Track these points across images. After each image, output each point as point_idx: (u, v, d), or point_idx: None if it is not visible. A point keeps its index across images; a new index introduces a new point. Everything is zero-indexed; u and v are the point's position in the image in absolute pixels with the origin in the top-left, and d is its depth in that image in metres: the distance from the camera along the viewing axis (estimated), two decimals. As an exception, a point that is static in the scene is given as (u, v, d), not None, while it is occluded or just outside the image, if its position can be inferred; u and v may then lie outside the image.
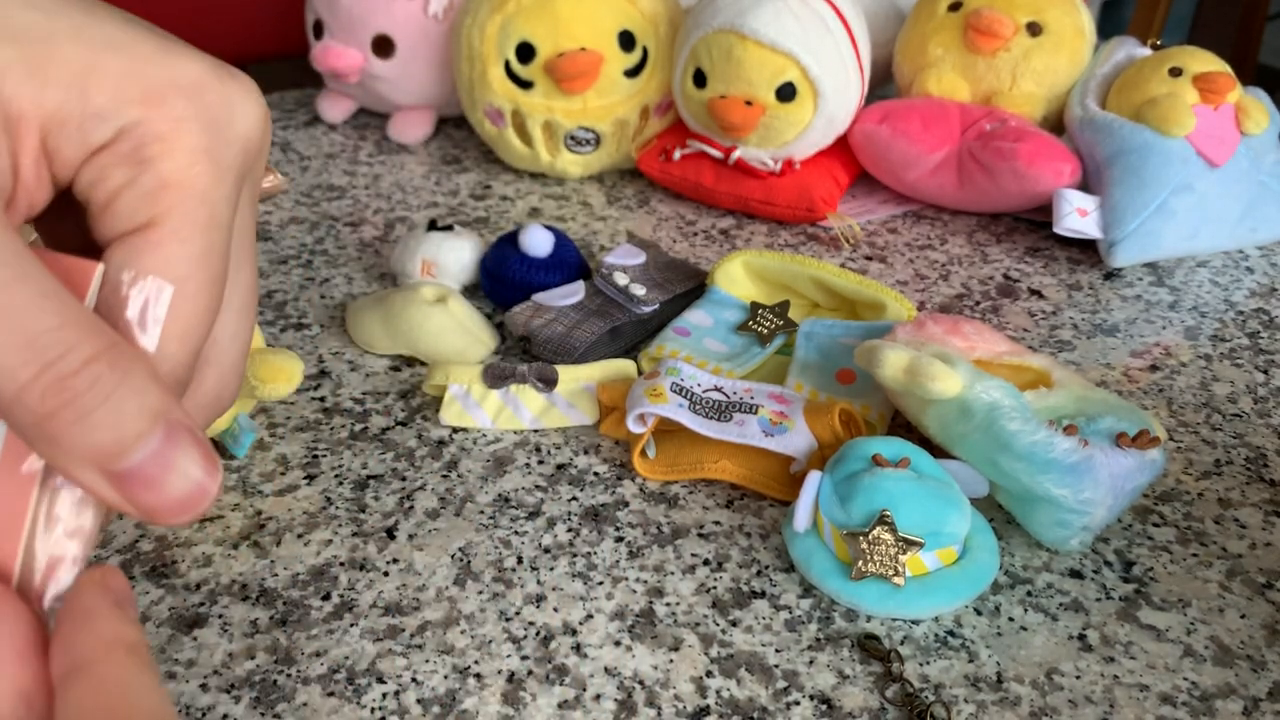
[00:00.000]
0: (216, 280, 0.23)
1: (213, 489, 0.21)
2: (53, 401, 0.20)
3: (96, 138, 0.22)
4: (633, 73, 0.71)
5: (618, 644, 0.39)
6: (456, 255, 0.59)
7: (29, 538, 0.21)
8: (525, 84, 0.71)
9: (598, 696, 0.37)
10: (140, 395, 0.20)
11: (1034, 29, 0.69)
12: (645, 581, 0.42)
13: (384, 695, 0.37)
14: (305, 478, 0.47)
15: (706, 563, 0.43)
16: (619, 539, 0.44)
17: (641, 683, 0.38)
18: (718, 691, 0.37)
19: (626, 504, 0.46)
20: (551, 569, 0.42)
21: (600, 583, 0.42)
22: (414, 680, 0.38)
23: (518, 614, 0.40)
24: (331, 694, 0.37)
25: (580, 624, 0.40)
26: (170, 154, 0.22)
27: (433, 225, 0.61)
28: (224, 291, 0.23)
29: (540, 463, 0.48)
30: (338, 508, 0.45)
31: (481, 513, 0.45)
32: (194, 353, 0.23)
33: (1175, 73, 0.64)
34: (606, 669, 0.38)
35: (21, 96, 0.21)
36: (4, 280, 0.19)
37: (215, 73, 0.23)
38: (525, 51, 0.69)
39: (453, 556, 0.43)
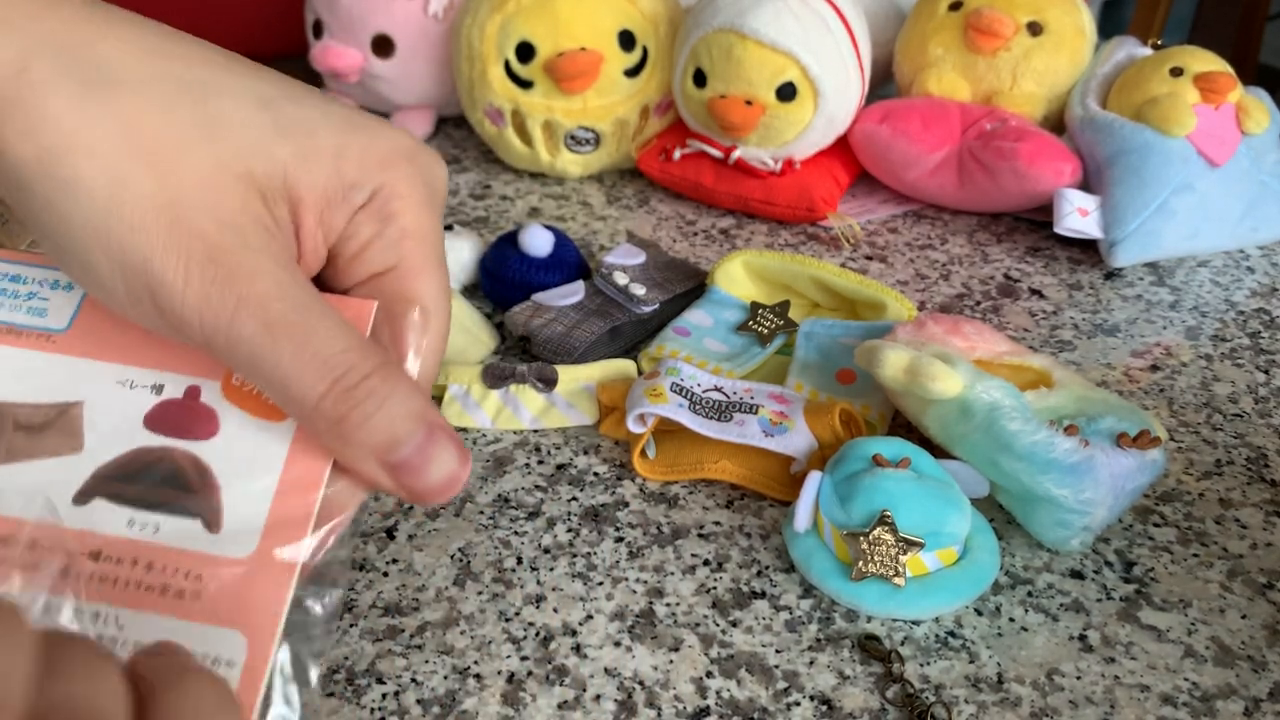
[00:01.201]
0: (447, 301, 0.30)
1: (464, 475, 0.27)
2: (342, 408, 0.25)
3: (353, 205, 0.28)
4: (633, 72, 0.71)
5: (618, 644, 0.39)
6: (456, 255, 0.59)
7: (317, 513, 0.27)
8: (525, 84, 0.70)
9: (598, 697, 0.37)
10: (406, 403, 0.26)
11: (1034, 29, 0.69)
12: (645, 582, 0.42)
13: (383, 696, 0.37)
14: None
15: (706, 563, 0.43)
16: (619, 539, 0.44)
17: (641, 683, 0.38)
18: (718, 692, 0.37)
19: (626, 504, 0.46)
20: (551, 569, 0.42)
21: (600, 583, 0.42)
22: (414, 681, 0.38)
23: (517, 614, 0.40)
24: (331, 694, 0.37)
25: (580, 624, 0.40)
26: (407, 208, 0.29)
27: (432, 225, 0.61)
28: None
29: (540, 463, 0.48)
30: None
31: (481, 513, 0.45)
32: (440, 360, 0.30)
33: (1176, 72, 0.64)
34: (606, 669, 0.38)
35: (300, 184, 0.27)
36: (305, 316, 0.25)
37: (414, 140, 0.30)
38: (525, 51, 0.69)
39: (452, 557, 0.43)
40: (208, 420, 0.27)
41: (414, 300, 0.29)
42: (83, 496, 0.26)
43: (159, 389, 0.28)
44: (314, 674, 0.27)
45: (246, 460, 0.27)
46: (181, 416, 0.27)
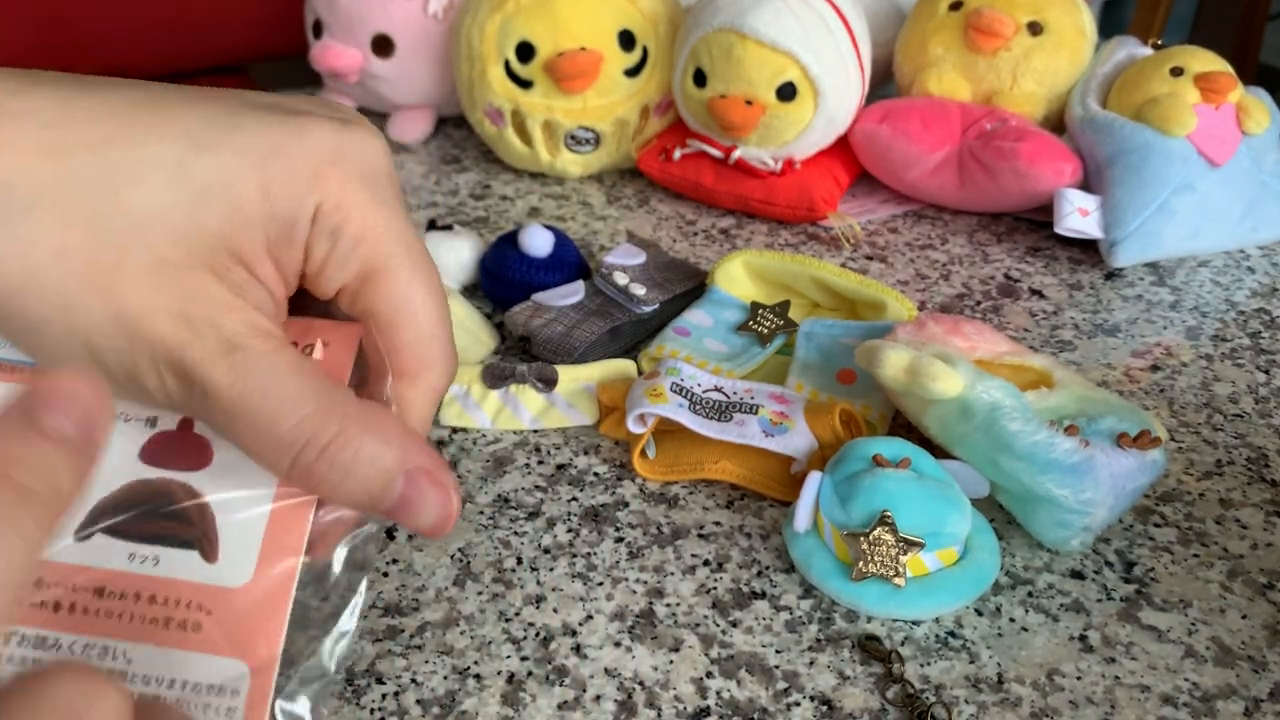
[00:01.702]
0: (429, 288, 0.29)
1: (453, 510, 0.27)
2: (309, 482, 0.26)
3: (300, 234, 0.27)
4: (633, 72, 0.71)
5: (618, 645, 0.39)
6: (456, 255, 0.59)
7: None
8: (525, 83, 0.70)
9: (598, 697, 0.37)
10: (374, 462, 0.26)
11: (1035, 28, 0.69)
12: (645, 582, 0.42)
13: (383, 696, 0.37)
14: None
15: (707, 563, 0.43)
16: (619, 539, 0.44)
17: (641, 683, 0.38)
18: (718, 692, 0.37)
19: (626, 504, 0.46)
20: (551, 569, 0.42)
21: (600, 583, 0.42)
22: (413, 681, 0.38)
23: (517, 615, 0.40)
24: (330, 694, 0.37)
25: (580, 625, 0.40)
26: (350, 217, 0.27)
27: (432, 225, 0.61)
28: (439, 282, 0.30)
29: (540, 463, 0.48)
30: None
31: (481, 513, 0.45)
32: (442, 349, 0.30)
33: (1176, 72, 0.64)
34: (606, 670, 0.38)
35: (241, 242, 0.26)
36: (260, 400, 0.25)
37: (341, 129, 0.28)
38: (525, 51, 0.69)
39: (452, 557, 0.43)
40: (201, 450, 0.28)
41: (394, 303, 0.28)
42: (84, 531, 0.26)
43: (153, 422, 0.28)
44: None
45: (240, 488, 0.27)
46: (175, 448, 0.28)
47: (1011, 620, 0.40)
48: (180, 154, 0.25)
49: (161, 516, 0.27)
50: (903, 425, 0.49)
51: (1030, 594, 0.41)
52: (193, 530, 0.27)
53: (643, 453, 0.47)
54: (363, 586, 0.29)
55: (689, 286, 0.57)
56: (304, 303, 0.30)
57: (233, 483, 0.27)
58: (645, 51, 0.71)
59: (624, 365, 0.52)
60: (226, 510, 0.27)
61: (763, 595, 0.41)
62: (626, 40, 0.70)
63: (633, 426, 0.46)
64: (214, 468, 0.28)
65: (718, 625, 0.40)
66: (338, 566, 0.28)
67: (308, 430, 0.26)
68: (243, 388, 0.25)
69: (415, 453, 0.27)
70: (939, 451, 0.44)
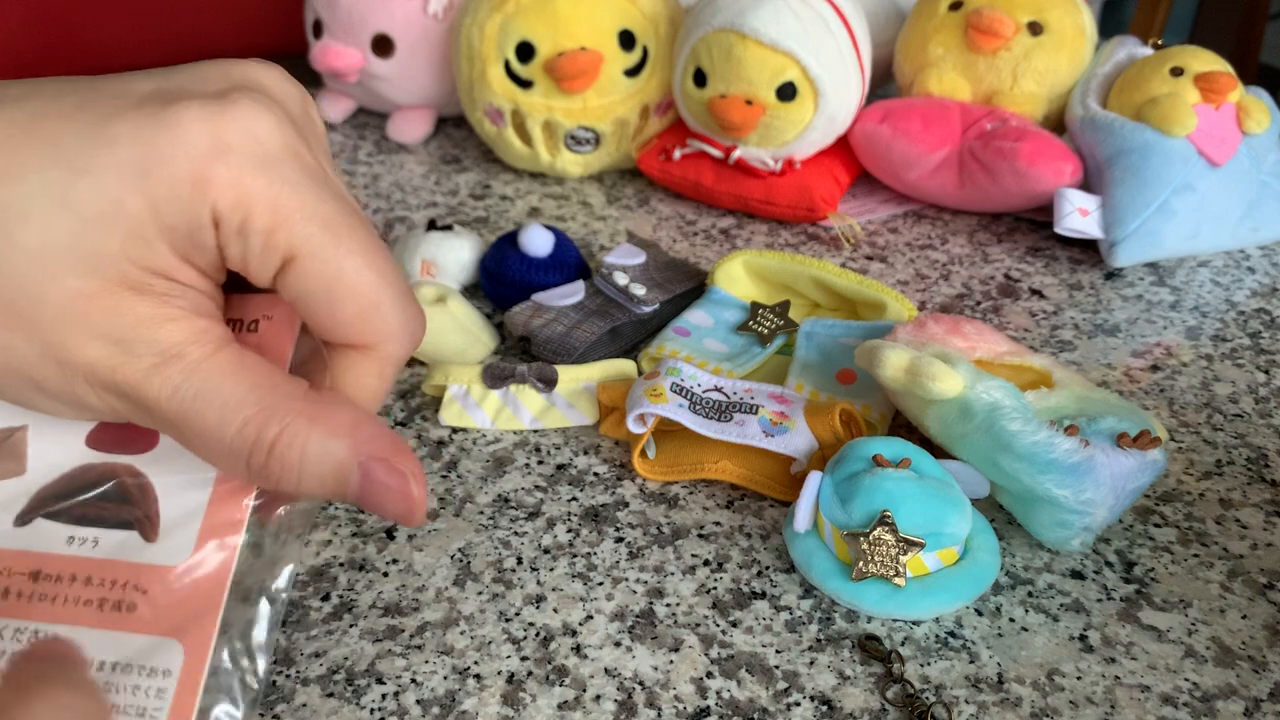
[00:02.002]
0: (367, 246, 0.27)
1: (413, 497, 0.27)
2: (267, 481, 0.26)
3: (207, 240, 0.26)
4: (633, 72, 0.71)
5: (618, 645, 0.39)
6: (456, 255, 0.59)
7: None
8: (525, 83, 0.70)
9: (598, 697, 0.37)
10: (324, 457, 0.26)
11: (1035, 28, 0.69)
12: (645, 582, 0.42)
13: (383, 696, 0.37)
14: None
15: (707, 563, 0.43)
16: (619, 539, 0.44)
17: (641, 683, 0.38)
18: (718, 692, 0.37)
19: (626, 504, 0.46)
20: (551, 569, 0.42)
21: (600, 583, 0.42)
22: (413, 681, 0.38)
23: (517, 615, 0.40)
24: (331, 695, 0.37)
25: (580, 625, 0.40)
26: (253, 210, 0.25)
27: (432, 225, 0.61)
28: (375, 245, 0.28)
29: (540, 463, 0.48)
30: (337, 508, 0.45)
31: (481, 513, 0.45)
32: (379, 303, 0.28)
33: (1176, 72, 0.64)
34: (606, 670, 0.38)
35: (150, 256, 0.25)
36: (201, 405, 0.25)
37: (218, 113, 0.26)
38: (525, 51, 0.69)
39: (452, 557, 0.43)
40: (147, 435, 0.28)
41: (324, 282, 0.27)
42: (24, 517, 0.27)
43: None
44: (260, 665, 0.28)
45: (183, 469, 0.27)
46: (121, 433, 0.28)
47: (1011, 620, 0.40)
48: (62, 183, 0.24)
49: (103, 498, 0.27)
50: (903, 425, 0.49)
51: (1030, 594, 0.41)
52: (134, 510, 0.27)
53: (643, 453, 0.47)
54: (295, 553, 0.29)
55: (689, 286, 0.57)
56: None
57: (176, 464, 0.27)
58: (645, 51, 0.71)
59: (624, 365, 0.52)
60: (169, 491, 0.27)
61: (763, 595, 0.41)
62: (626, 40, 0.70)
63: (633, 426, 0.46)
64: (159, 450, 0.28)
65: (718, 625, 0.40)
66: (269, 536, 0.29)
67: (251, 434, 0.25)
68: (180, 400, 0.25)
69: (368, 440, 0.26)
70: (939, 451, 0.44)
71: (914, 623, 0.40)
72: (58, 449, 0.27)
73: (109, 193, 0.24)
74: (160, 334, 0.25)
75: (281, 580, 0.28)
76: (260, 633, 0.28)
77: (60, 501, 0.27)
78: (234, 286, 0.29)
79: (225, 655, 0.27)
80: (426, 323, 0.30)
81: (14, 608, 0.25)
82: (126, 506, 0.27)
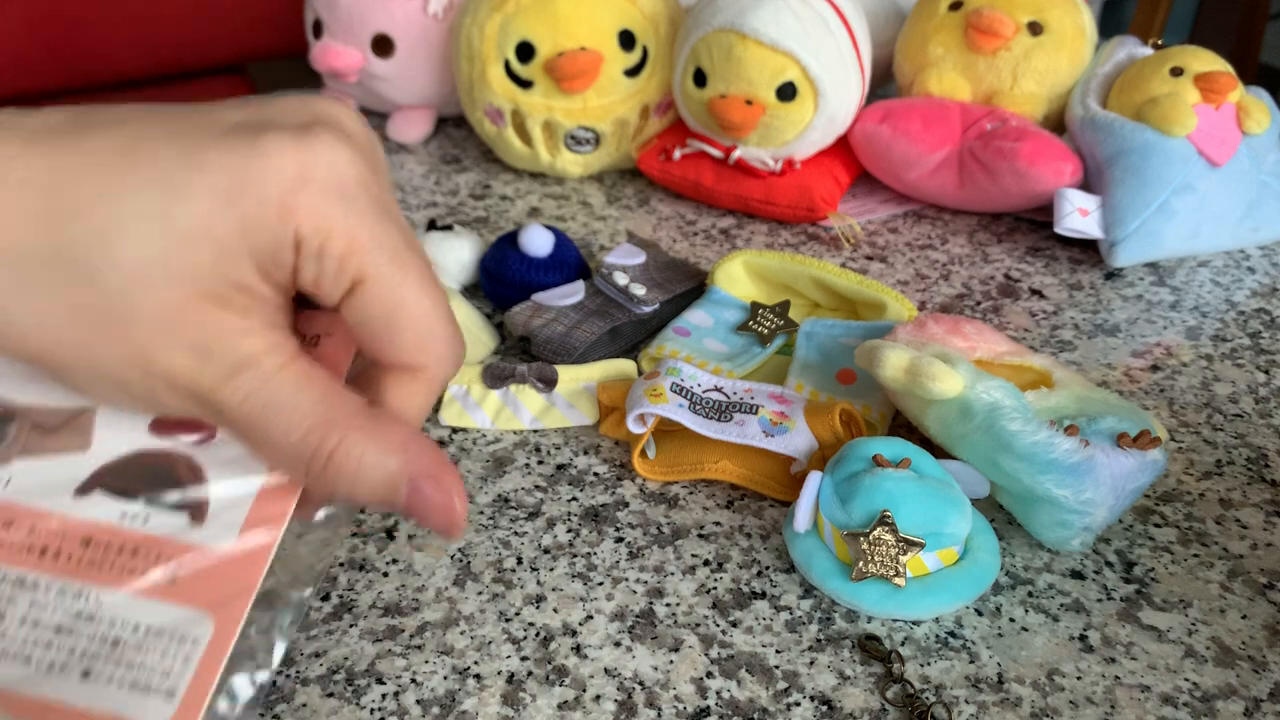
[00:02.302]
0: (425, 277, 0.30)
1: (455, 513, 0.29)
2: (322, 488, 0.28)
3: (286, 260, 0.28)
4: (633, 72, 0.71)
5: (618, 645, 0.39)
6: (456, 255, 0.59)
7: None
8: (525, 83, 0.70)
9: (598, 697, 0.37)
10: (376, 469, 0.28)
11: (1035, 28, 0.69)
12: (645, 582, 0.42)
13: (383, 696, 0.37)
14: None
15: (707, 563, 0.43)
16: (619, 539, 0.44)
17: (641, 683, 0.38)
18: (718, 692, 0.37)
19: (626, 504, 0.46)
20: (551, 569, 0.42)
21: (600, 583, 0.42)
22: (413, 681, 0.38)
23: (517, 614, 0.40)
24: (331, 695, 0.37)
25: (580, 625, 0.40)
26: (331, 236, 0.28)
27: (432, 225, 0.61)
28: (432, 276, 0.30)
29: (540, 463, 0.48)
30: (337, 507, 0.45)
31: (481, 513, 0.45)
32: (433, 331, 0.30)
33: (1176, 72, 0.64)
34: (606, 670, 0.38)
35: (232, 275, 0.27)
36: (266, 413, 0.27)
37: (302, 146, 0.28)
38: (525, 51, 0.69)
39: (452, 557, 0.43)
40: (207, 426, 0.30)
41: (387, 309, 0.29)
42: (84, 489, 0.29)
43: None
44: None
45: (237, 462, 0.29)
46: (182, 422, 0.30)
47: (1011, 620, 0.40)
48: (161, 204, 0.27)
49: (158, 481, 0.29)
50: (903, 425, 0.49)
51: (1030, 594, 0.41)
52: (185, 495, 0.29)
53: (643, 453, 0.47)
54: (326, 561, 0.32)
55: (689, 286, 0.57)
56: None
57: (232, 456, 0.29)
58: (645, 51, 0.71)
59: (624, 365, 0.52)
60: (221, 479, 0.29)
61: (763, 595, 0.41)
62: (626, 40, 0.70)
63: (633, 426, 0.46)
64: (217, 441, 0.30)
65: (718, 625, 0.40)
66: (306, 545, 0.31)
67: (313, 442, 0.27)
68: (250, 406, 0.27)
69: (418, 457, 0.29)
70: (939, 451, 0.44)
71: (914, 623, 0.40)
72: (122, 432, 0.30)
73: (202, 213, 0.27)
74: (240, 344, 0.27)
75: (308, 591, 0.31)
76: (284, 623, 0.31)
77: (118, 479, 0.29)
78: (298, 303, 0.31)
79: (253, 631, 0.30)
80: (459, 337, 0.32)
81: (62, 568, 0.28)
82: (179, 490, 0.29)
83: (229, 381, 0.27)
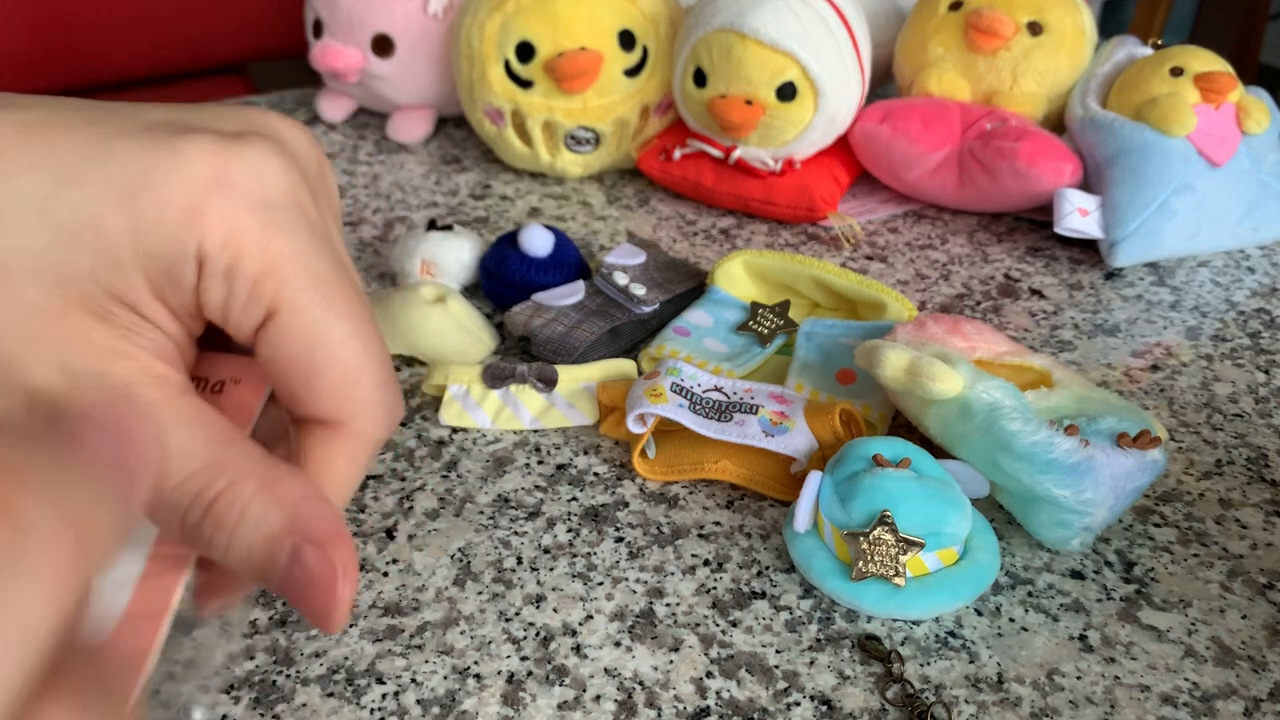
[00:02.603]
0: (356, 313, 0.25)
1: (336, 598, 0.23)
2: (194, 545, 0.23)
3: (187, 277, 0.24)
4: (633, 72, 0.71)
5: (618, 645, 0.39)
6: (456, 255, 0.59)
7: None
8: (525, 83, 0.70)
9: (598, 697, 0.37)
10: (259, 525, 0.23)
11: (1035, 28, 0.69)
12: (645, 582, 0.42)
13: (383, 696, 0.37)
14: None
15: (707, 563, 0.43)
16: (619, 539, 0.44)
17: (641, 683, 0.38)
18: (718, 692, 0.37)
19: (626, 504, 0.46)
20: (551, 569, 0.42)
21: (600, 583, 0.42)
22: (413, 681, 0.38)
23: (517, 614, 0.40)
24: (331, 694, 0.37)
25: (580, 624, 0.40)
26: (244, 253, 0.24)
27: (432, 225, 0.61)
28: (366, 314, 0.26)
29: (540, 463, 0.48)
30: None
31: (481, 513, 0.45)
32: (360, 378, 0.26)
33: (1176, 72, 0.64)
34: (606, 670, 0.38)
35: (121, 286, 0.23)
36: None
37: (226, 149, 0.24)
38: (525, 51, 0.69)
39: (452, 557, 0.43)
40: None
41: (306, 345, 0.25)
42: None
43: None
44: None
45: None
46: None
47: (1011, 620, 0.40)
48: (46, 190, 0.23)
49: None
50: (903, 425, 0.49)
51: (1030, 594, 0.41)
52: None
53: (643, 453, 0.47)
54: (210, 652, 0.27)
55: (689, 286, 0.57)
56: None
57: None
58: (645, 51, 0.71)
59: (624, 365, 0.52)
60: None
61: (763, 595, 0.41)
62: (626, 40, 0.70)
63: (633, 426, 0.46)
64: None
65: (718, 625, 0.40)
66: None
67: (193, 487, 0.23)
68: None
69: (310, 519, 0.24)
70: (939, 451, 0.44)
71: (914, 623, 0.40)
72: None
73: (91, 208, 0.23)
74: (115, 368, 0.24)
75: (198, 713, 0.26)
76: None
77: None
78: (208, 346, 0.28)
79: None
80: (394, 393, 0.27)
81: None
82: None
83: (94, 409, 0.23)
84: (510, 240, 0.58)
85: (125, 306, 0.24)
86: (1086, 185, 0.65)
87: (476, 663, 0.38)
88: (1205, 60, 0.65)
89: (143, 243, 0.23)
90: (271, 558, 0.23)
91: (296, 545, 0.23)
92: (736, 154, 0.67)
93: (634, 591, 0.41)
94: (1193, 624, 0.40)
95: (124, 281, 0.23)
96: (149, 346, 0.24)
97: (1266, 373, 0.55)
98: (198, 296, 0.24)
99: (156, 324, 0.24)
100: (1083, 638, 0.40)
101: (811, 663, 0.39)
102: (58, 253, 0.23)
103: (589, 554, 0.43)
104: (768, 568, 0.43)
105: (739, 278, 0.57)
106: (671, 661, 0.38)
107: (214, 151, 0.24)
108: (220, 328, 0.26)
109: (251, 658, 0.38)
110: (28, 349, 0.23)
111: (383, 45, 0.76)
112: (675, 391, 0.46)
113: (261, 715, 0.36)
